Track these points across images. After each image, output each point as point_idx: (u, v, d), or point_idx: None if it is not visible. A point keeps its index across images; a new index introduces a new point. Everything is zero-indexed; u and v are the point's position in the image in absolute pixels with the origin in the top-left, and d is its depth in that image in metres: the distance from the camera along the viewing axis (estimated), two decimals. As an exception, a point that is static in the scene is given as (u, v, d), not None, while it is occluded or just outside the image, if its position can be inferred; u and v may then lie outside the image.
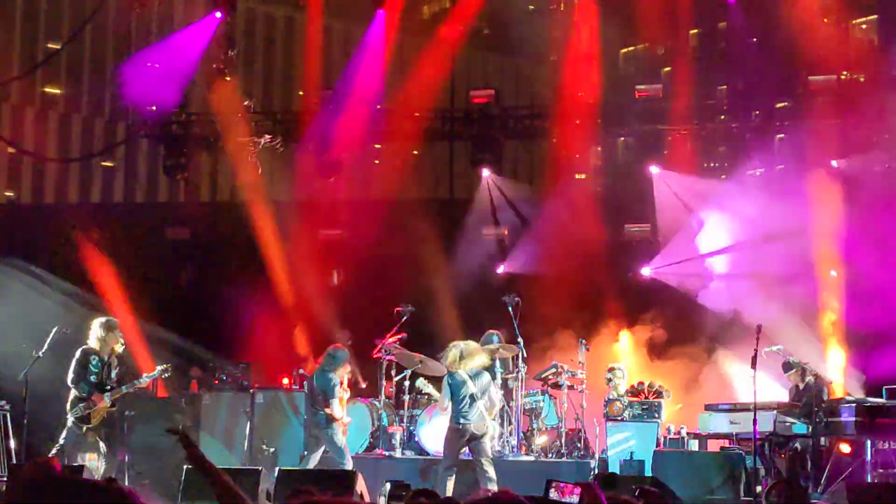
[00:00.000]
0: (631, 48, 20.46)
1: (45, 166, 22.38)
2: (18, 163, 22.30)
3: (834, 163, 17.71)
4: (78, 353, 13.35)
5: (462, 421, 12.86)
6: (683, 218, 18.58)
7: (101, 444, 13.42)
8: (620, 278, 18.78)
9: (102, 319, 13.60)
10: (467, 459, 13.14)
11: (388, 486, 12.41)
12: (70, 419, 13.18)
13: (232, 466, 14.26)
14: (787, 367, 14.77)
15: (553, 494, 4.76)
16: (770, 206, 17.09)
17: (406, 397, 15.30)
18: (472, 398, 12.83)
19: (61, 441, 13.14)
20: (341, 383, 13.79)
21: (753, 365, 12.90)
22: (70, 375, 13.25)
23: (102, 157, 22.37)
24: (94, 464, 14.90)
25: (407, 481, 12.59)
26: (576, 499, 4.72)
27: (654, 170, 18.69)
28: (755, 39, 19.20)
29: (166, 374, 13.89)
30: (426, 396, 15.12)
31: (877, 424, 13.71)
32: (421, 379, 14.95)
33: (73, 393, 13.25)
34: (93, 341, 13.42)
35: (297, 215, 20.17)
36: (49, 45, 21.30)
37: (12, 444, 14.74)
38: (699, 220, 18.29)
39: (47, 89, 22.11)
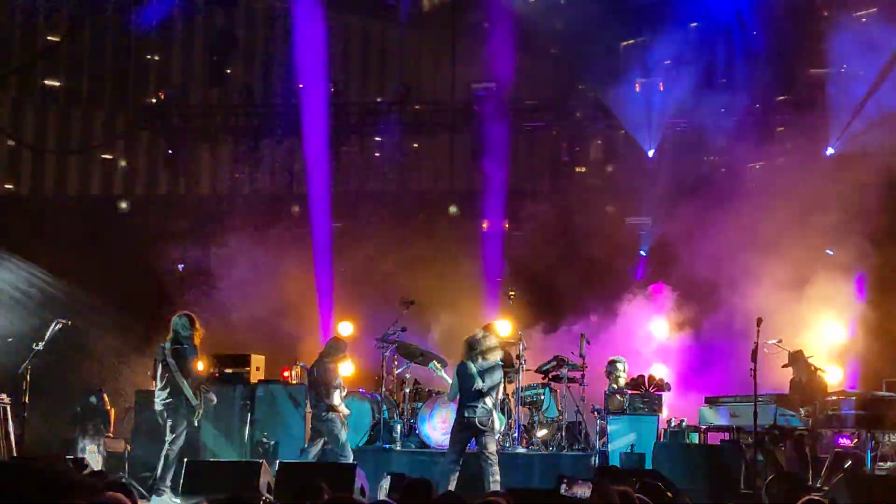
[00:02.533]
0: (631, 41, 20.39)
1: (44, 158, 22.34)
2: (18, 155, 22.28)
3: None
4: (184, 351, 13.27)
5: (467, 414, 12.74)
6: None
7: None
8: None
9: (185, 315, 13.53)
10: (472, 452, 13.10)
11: (387, 479, 12.39)
12: (197, 409, 13.24)
13: (232, 459, 14.30)
14: (788, 359, 14.77)
15: (564, 490, 4.74)
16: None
17: (407, 390, 15.31)
18: (480, 393, 12.68)
19: (176, 435, 13.20)
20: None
21: (754, 358, 12.90)
22: (182, 371, 13.21)
23: (102, 150, 22.34)
24: (95, 456, 14.95)
25: (407, 474, 12.56)
26: (587, 493, 4.69)
27: None
28: (755, 33, 19.18)
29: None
30: (427, 389, 15.16)
31: (877, 417, 13.72)
32: (434, 362, 14.86)
33: (185, 388, 13.21)
34: (191, 338, 13.40)
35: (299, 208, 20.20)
36: (49, 38, 21.27)
37: (13, 437, 14.74)
38: None
39: (47, 82, 22.07)
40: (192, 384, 13.16)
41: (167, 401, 13.13)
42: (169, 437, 13.11)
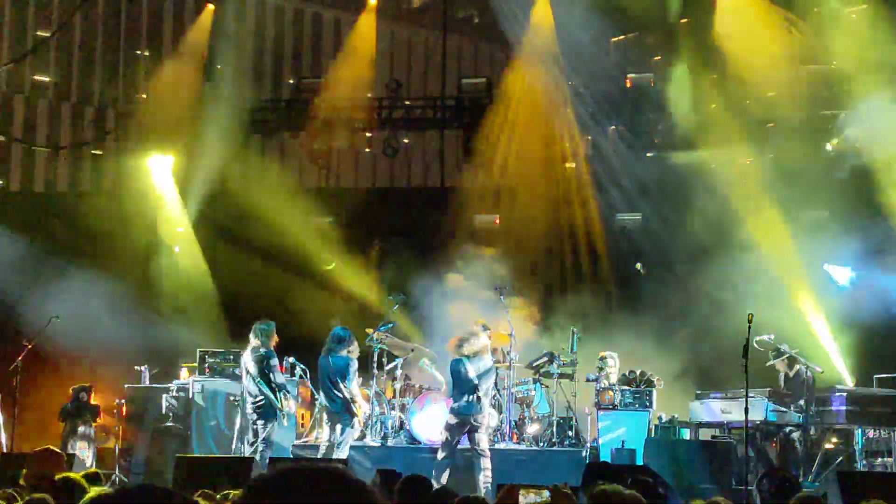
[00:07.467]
0: (621, 37, 20.42)
1: (34, 154, 22.28)
2: (8, 151, 22.25)
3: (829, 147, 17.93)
4: (265, 356, 13.46)
5: (463, 412, 12.84)
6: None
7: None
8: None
9: (266, 322, 13.70)
10: (464, 448, 13.14)
11: (377, 476, 12.37)
12: (279, 414, 13.46)
13: (224, 455, 14.28)
14: (778, 355, 14.78)
15: (522, 499, 4.74)
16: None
17: (397, 386, 15.28)
18: (475, 390, 12.79)
19: (265, 436, 13.36)
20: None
21: (745, 354, 12.91)
22: (262, 376, 13.41)
23: (92, 146, 22.28)
24: (85, 452, 14.94)
25: (398, 470, 12.55)
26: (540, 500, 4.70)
27: None
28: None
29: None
30: (418, 385, 15.15)
31: (867, 413, 13.75)
32: (424, 360, 14.91)
33: (268, 392, 13.39)
34: (270, 343, 13.59)
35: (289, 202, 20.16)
36: (38, 33, 21.23)
37: (3, 435, 14.72)
38: None
39: (37, 77, 22.03)
40: (274, 387, 13.40)
41: (256, 404, 13.45)
42: (262, 437, 13.39)
